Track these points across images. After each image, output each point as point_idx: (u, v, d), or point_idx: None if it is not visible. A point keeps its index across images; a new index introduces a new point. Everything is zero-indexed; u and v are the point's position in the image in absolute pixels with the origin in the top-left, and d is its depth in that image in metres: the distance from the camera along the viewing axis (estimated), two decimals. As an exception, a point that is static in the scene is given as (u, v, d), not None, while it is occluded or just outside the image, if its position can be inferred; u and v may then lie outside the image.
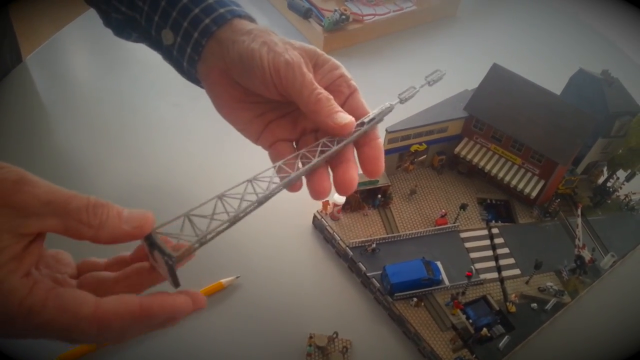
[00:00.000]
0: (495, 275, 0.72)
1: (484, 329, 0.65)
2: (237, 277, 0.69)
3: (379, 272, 0.70)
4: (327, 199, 0.58)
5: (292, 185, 0.43)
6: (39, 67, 0.93)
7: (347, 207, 0.76)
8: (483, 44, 1.15)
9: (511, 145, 0.81)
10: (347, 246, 0.72)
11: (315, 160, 0.42)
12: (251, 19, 0.50)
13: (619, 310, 0.74)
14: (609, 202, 0.85)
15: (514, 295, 0.69)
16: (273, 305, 0.68)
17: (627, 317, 0.73)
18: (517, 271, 0.73)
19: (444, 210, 0.78)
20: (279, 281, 0.70)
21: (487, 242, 0.77)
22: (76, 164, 0.81)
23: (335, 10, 1.05)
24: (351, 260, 0.72)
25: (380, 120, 0.46)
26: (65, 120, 0.86)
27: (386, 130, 0.76)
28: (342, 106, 0.47)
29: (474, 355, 0.63)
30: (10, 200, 0.33)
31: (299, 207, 0.76)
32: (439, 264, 0.72)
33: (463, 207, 0.77)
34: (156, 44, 0.53)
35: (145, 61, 0.97)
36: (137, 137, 0.85)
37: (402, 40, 1.13)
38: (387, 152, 0.79)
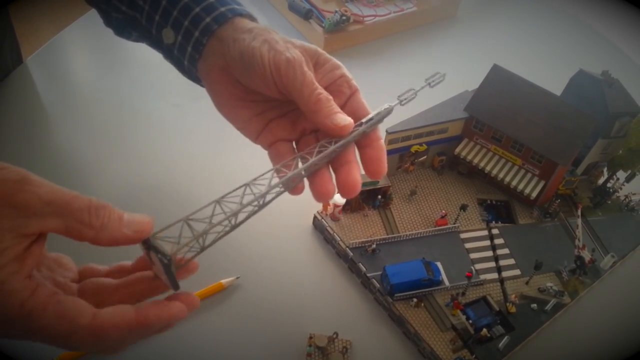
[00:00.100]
0: (495, 275, 0.72)
1: (484, 330, 0.65)
2: (237, 278, 0.69)
3: (379, 272, 0.70)
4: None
5: (294, 188, 0.43)
6: (40, 68, 0.93)
7: (347, 207, 0.76)
8: (483, 45, 1.15)
9: (511, 146, 0.81)
10: (347, 247, 0.72)
11: (313, 159, 0.42)
12: (252, 18, 0.50)
13: (619, 310, 0.74)
14: (609, 202, 0.85)
15: (514, 295, 0.70)
16: (273, 305, 0.68)
17: (627, 317, 0.73)
18: (517, 272, 0.73)
19: (444, 211, 0.78)
20: (279, 281, 0.70)
21: (487, 242, 0.77)
22: (76, 164, 0.81)
23: (336, 11, 1.05)
24: (351, 260, 0.72)
25: (380, 121, 0.46)
26: (66, 121, 0.86)
27: (386, 131, 0.76)
28: (343, 107, 0.47)
29: (474, 356, 0.63)
30: (12, 200, 0.33)
31: (299, 207, 0.76)
32: (439, 264, 0.72)
33: (463, 207, 0.77)
34: (157, 43, 0.53)
35: (145, 62, 0.97)
36: (137, 137, 0.85)
37: (402, 41, 1.14)
38: (388, 152, 0.78)
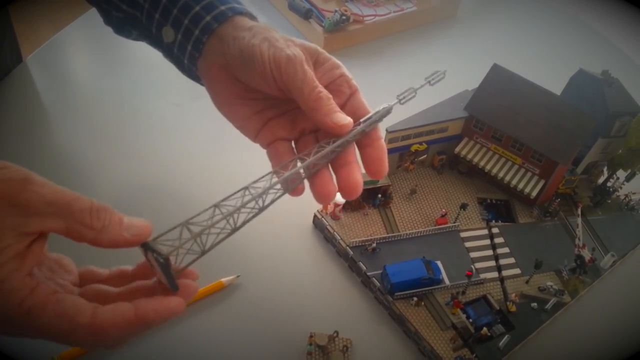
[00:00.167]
0: (495, 274, 0.72)
1: (484, 329, 0.65)
2: (238, 276, 0.69)
3: (379, 271, 0.70)
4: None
5: (294, 190, 0.43)
6: (39, 68, 0.93)
7: (347, 206, 0.76)
8: (483, 44, 1.15)
9: (511, 145, 0.81)
10: (348, 245, 0.72)
11: (311, 159, 0.42)
12: (252, 17, 0.51)
13: (619, 309, 0.74)
14: (609, 202, 0.85)
15: (514, 294, 0.70)
16: (273, 304, 0.68)
17: (627, 316, 0.73)
18: (517, 271, 0.74)
19: (444, 210, 0.78)
20: (280, 280, 0.70)
21: (487, 241, 0.77)
22: (76, 163, 0.81)
23: (336, 11, 1.05)
24: (351, 259, 0.72)
25: (379, 120, 0.46)
26: (66, 120, 0.86)
27: (386, 130, 0.76)
28: (343, 106, 0.47)
29: (474, 355, 0.63)
30: (15, 199, 0.33)
31: (299, 206, 0.76)
32: (439, 263, 0.72)
33: (463, 206, 0.77)
34: (156, 42, 0.53)
35: (145, 61, 0.97)
36: (137, 137, 0.85)
37: (402, 41, 1.14)
38: (388, 151, 0.79)
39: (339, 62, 0.48)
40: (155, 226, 0.39)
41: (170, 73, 0.55)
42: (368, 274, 0.70)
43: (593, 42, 1.23)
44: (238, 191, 0.39)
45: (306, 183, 0.45)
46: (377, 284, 0.69)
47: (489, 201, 0.82)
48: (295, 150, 0.49)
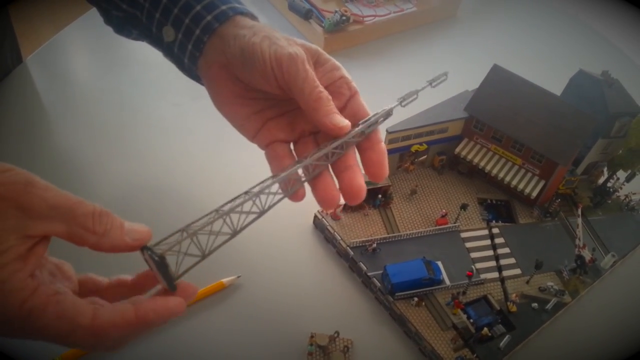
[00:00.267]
0: (495, 275, 0.73)
1: (485, 329, 0.65)
2: (238, 277, 0.69)
3: (380, 271, 0.70)
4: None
5: (295, 195, 0.43)
6: (39, 68, 0.93)
7: (347, 207, 0.76)
8: (483, 45, 1.15)
9: (511, 146, 0.81)
10: (348, 246, 0.72)
11: (308, 160, 0.42)
12: (253, 17, 0.51)
13: (619, 310, 0.74)
14: (609, 202, 0.85)
15: (514, 295, 0.70)
16: (274, 304, 0.68)
17: (627, 317, 0.73)
18: (517, 271, 0.74)
19: (444, 210, 0.78)
20: (280, 281, 0.70)
21: (488, 242, 0.77)
22: (76, 163, 0.81)
23: (336, 12, 1.05)
24: (352, 260, 0.72)
25: (379, 123, 0.46)
26: (66, 120, 0.86)
27: (387, 130, 0.76)
28: (343, 108, 0.47)
29: (475, 355, 0.63)
30: (19, 202, 0.33)
31: (299, 207, 0.75)
32: (439, 263, 0.72)
33: (463, 207, 0.77)
34: (156, 41, 0.53)
35: (145, 61, 0.97)
36: (137, 137, 0.85)
37: (402, 41, 1.14)
38: (388, 152, 0.79)
39: (338, 63, 0.48)
40: (155, 226, 0.39)
41: (170, 73, 0.55)
42: (368, 274, 0.70)
43: (593, 42, 1.23)
44: (238, 196, 0.39)
45: (308, 188, 0.45)
46: (378, 284, 0.69)
47: (489, 201, 0.83)
48: (294, 153, 0.49)
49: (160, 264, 0.37)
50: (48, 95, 0.90)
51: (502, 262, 0.74)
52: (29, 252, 0.34)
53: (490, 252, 0.75)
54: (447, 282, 0.70)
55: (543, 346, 0.68)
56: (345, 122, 0.43)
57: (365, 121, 0.45)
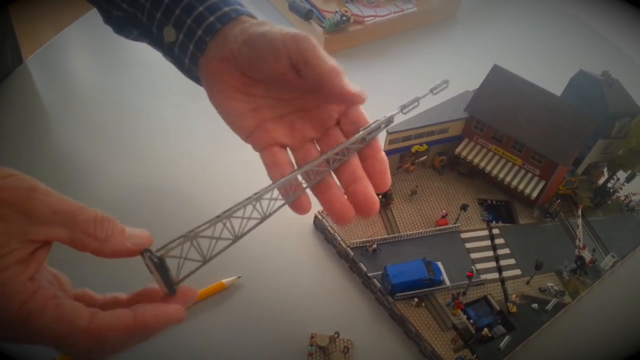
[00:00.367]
0: (496, 275, 0.73)
1: (485, 329, 0.65)
2: (239, 277, 0.69)
3: (380, 272, 0.70)
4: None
5: (300, 207, 0.43)
6: (40, 68, 0.93)
7: (348, 207, 0.76)
8: (483, 45, 1.15)
9: (512, 146, 0.81)
10: (348, 246, 0.72)
11: (309, 165, 0.42)
12: (255, 19, 0.50)
13: (619, 310, 0.74)
14: (610, 202, 0.85)
15: (514, 295, 0.70)
16: (274, 305, 0.68)
17: (627, 317, 0.73)
18: (517, 272, 0.74)
19: (444, 211, 0.78)
20: (281, 281, 0.70)
21: (488, 242, 0.77)
22: (76, 164, 0.81)
23: (336, 12, 1.05)
24: (352, 260, 0.72)
25: (380, 130, 0.45)
26: (66, 121, 0.86)
27: (387, 131, 0.76)
28: (341, 116, 0.47)
29: (475, 356, 0.63)
30: (22, 206, 0.33)
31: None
32: (439, 264, 0.72)
33: (464, 207, 0.77)
34: (156, 42, 0.53)
35: (145, 62, 0.97)
36: (138, 137, 0.85)
37: (402, 42, 1.14)
38: (388, 152, 0.79)
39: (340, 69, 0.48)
40: (155, 226, 0.40)
41: (170, 73, 0.55)
42: (369, 274, 0.70)
43: (593, 42, 1.23)
44: (240, 202, 0.40)
45: (314, 200, 0.45)
46: (378, 284, 0.69)
47: (489, 202, 0.83)
48: (294, 161, 0.47)
49: (160, 266, 0.37)
50: (48, 95, 0.90)
51: (502, 262, 0.74)
52: (30, 257, 0.34)
53: (491, 253, 0.75)
54: (447, 282, 0.70)
55: (543, 347, 0.68)
56: (361, 90, 0.43)
57: (366, 127, 0.45)
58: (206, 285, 0.67)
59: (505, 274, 0.73)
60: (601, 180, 0.88)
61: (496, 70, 0.82)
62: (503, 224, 0.80)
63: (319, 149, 0.47)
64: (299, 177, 0.43)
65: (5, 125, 0.82)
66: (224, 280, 0.68)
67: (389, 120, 0.46)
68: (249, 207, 0.39)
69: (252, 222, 0.40)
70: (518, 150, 0.80)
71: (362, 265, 0.71)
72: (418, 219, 0.78)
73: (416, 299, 0.67)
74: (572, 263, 0.75)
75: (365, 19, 1.08)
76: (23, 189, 0.34)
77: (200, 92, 0.53)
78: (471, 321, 0.67)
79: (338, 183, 0.45)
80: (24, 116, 0.85)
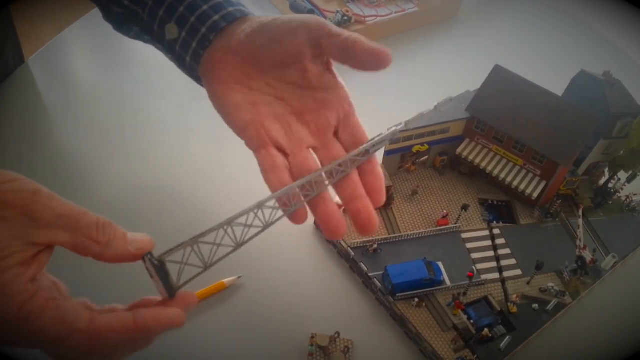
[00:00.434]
0: (496, 275, 0.73)
1: (486, 330, 0.65)
2: (239, 277, 0.69)
3: (381, 272, 0.70)
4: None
5: (298, 218, 0.43)
6: (41, 68, 0.93)
7: (348, 207, 0.76)
8: (484, 45, 1.15)
9: (513, 146, 0.81)
10: (349, 246, 0.72)
11: (312, 175, 0.42)
12: None
13: (620, 310, 0.74)
14: (610, 203, 0.85)
15: (515, 295, 0.70)
16: (275, 305, 0.68)
17: (628, 317, 0.73)
18: (518, 272, 0.74)
19: (445, 211, 0.78)
20: (281, 281, 0.70)
21: (489, 242, 0.77)
22: (77, 164, 0.81)
23: (337, 12, 1.05)
24: (353, 260, 0.72)
25: (384, 144, 0.45)
26: (67, 121, 0.86)
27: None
28: (338, 125, 0.47)
29: (475, 356, 0.63)
30: (26, 210, 0.34)
31: (300, 207, 0.76)
32: (440, 264, 0.72)
33: (464, 207, 0.77)
34: (157, 39, 0.53)
35: (147, 62, 0.97)
36: (139, 137, 0.85)
37: (403, 42, 1.14)
38: (389, 152, 0.80)
39: (340, 80, 0.48)
40: (155, 226, 0.40)
41: (171, 73, 0.55)
42: (369, 274, 0.70)
43: (594, 43, 1.23)
44: (243, 210, 0.40)
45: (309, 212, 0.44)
46: (379, 284, 0.69)
47: (490, 202, 0.83)
48: (290, 168, 0.46)
49: (160, 269, 0.37)
50: (50, 95, 0.90)
51: (503, 263, 0.74)
52: (32, 259, 0.34)
53: (491, 253, 0.75)
54: (448, 282, 0.70)
55: (544, 347, 0.68)
56: (388, 48, 0.43)
57: (371, 140, 0.44)
58: (207, 285, 0.67)
59: (506, 274, 0.73)
60: (602, 181, 0.88)
61: (497, 71, 0.82)
62: (504, 224, 0.80)
63: (316, 158, 0.46)
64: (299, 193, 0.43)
65: (6, 125, 0.83)
66: (225, 280, 0.68)
67: (394, 134, 0.45)
68: (251, 215, 0.39)
69: (254, 230, 0.40)
70: (519, 150, 0.80)
71: (362, 265, 0.71)
72: (419, 219, 0.78)
73: (417, 299, 0.67)
74: (572, 263, 0.75)
75: (367, 18, 1.08)
76: (27, 193, 0.34)
77: (200, 92, 0.53)
78: (472, 321, 0.67)
79: (331, 196, 0.44)
80: (26, 116, 0.85)
